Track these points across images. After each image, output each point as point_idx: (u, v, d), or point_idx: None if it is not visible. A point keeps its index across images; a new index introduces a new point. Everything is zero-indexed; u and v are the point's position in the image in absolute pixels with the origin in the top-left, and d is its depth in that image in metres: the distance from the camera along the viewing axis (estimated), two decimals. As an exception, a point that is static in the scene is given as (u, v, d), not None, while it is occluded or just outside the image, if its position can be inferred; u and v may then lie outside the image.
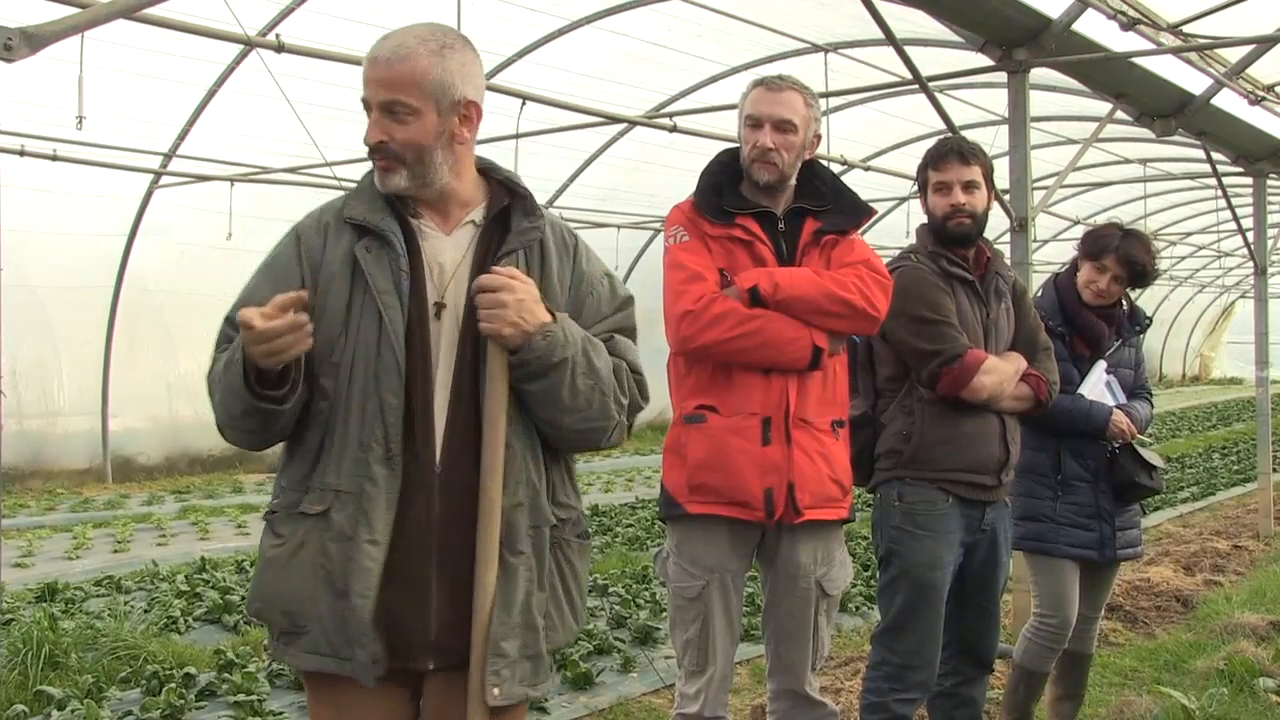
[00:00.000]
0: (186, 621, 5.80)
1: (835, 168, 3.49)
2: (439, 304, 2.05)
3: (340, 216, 2.08)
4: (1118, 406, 3.78)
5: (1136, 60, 6.36)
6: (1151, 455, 3.81)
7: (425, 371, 2.03)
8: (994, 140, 7.20)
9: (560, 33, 8.95)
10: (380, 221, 2.03)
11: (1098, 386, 3.79)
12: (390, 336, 1.99)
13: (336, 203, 2.13)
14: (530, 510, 2.07)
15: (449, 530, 2.02)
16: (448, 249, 2.09)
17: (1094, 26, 5.87)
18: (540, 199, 2.20)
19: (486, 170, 2.17)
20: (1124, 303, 3.93)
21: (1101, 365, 3.82)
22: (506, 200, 2.13)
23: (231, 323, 2.03)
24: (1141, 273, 3.80)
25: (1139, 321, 3.96)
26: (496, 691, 2.00)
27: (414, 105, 2.00)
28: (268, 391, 1.95)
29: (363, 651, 1.96)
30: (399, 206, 2.07)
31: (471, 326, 2.02)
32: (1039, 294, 4.01)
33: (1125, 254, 3.76)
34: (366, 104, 2.03)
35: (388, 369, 1.99)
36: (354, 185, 2.15)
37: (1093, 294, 3.82)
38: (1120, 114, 7.54)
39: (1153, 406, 4.02)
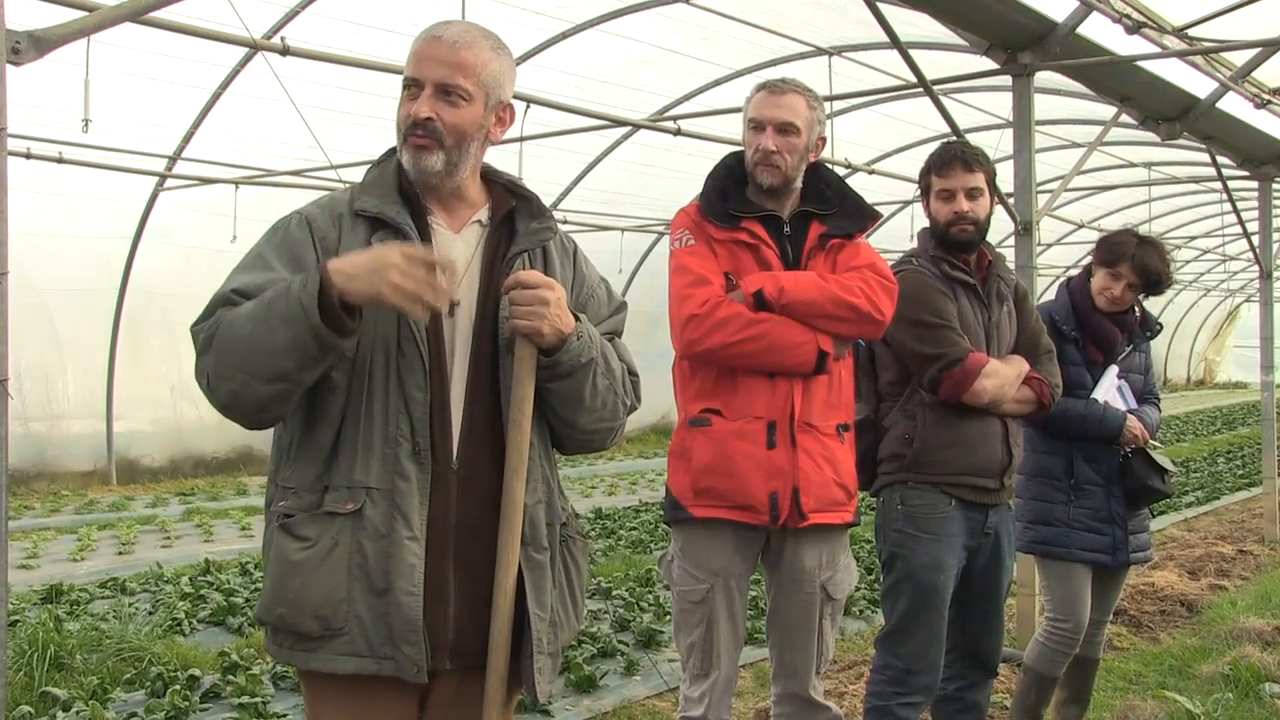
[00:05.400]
0: (191, 624, 5.81)
1: (839, 171, 3.49)
2: (453, 301, 2.02)
3: (351, 209, 2.04)
4: (1129, 411, 3.78)
5: (1141, 64, 6.36)
6: (1163, 459, 3.82)
7: (442, 368, 2.02)
8: (998, 144, 7.21)
9: (564, 36, 8.95)
10: (396, 215, 2.01)
11: (1109, 391, 3.79)
12: (413, 331, 1.97)
13: (344, 195, 2.10)
14: (547, 507, 2.10)
15: (464, 528, 2.01)
16: (458, 246, 2.08)
17: (1099, 30, 5.87)
18: (543, 202, 2.21)
19: (487, 174, 2.18)
20: (1136, 309, 3.93)
21: (1113, 370, 3.82)
22: (512, 203, 2.14)
23: (238, 291, 1.95)
24: (1156, 281, 3.79)
25: (1150, 327, 3.96)
26: (541, 689, 2.02)
27: (470, 91, 2.01)
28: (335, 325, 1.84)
29: (411, 648, 1.94)
30: (412, 202, 2.06)
31: (488, 324, 2.02)
32: (1046, 297, 4.01)
33: (1141, 263, 3.75)
34: (414, 81, 2.01)
35: (411, 365, 1.97)
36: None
37: (1106, 300, 3.82)
38: (1125, 118, 7.54)
39: (1161, 411, 4.03)
